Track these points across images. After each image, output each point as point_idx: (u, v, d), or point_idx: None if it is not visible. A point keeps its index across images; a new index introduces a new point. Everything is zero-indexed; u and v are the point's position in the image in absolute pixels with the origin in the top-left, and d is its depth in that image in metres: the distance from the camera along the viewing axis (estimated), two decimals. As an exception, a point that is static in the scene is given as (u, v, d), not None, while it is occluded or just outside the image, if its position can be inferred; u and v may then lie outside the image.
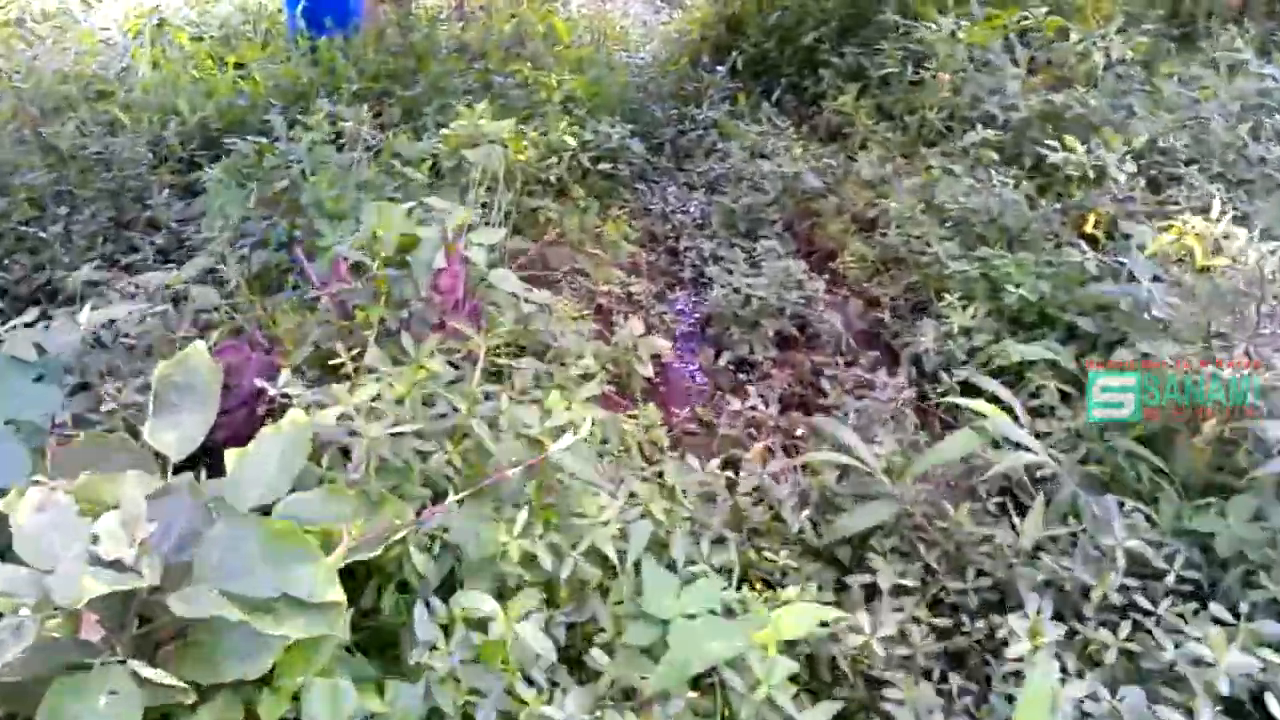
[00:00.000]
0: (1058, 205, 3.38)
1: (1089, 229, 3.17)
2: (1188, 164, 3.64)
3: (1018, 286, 3.05)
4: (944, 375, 3.05)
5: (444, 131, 3.68)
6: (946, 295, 3.31)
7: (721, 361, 3.47)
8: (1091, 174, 3.18)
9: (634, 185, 5.20)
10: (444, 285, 2.63)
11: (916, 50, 5.77)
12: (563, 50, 6.83)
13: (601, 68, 6.56)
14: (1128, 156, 3.78)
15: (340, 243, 3.13)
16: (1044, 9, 4.86)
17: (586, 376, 2.92)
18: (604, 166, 4.96)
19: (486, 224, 3.38)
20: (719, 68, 6.75)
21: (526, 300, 2.87)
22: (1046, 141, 3.49)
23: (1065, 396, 2.75)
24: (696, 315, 3.85)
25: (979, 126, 4.11)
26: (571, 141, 3.86)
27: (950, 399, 2.65)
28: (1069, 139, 3.43)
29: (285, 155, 3.74)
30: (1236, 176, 3.58)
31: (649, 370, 3.20)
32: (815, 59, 6.20)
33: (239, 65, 6.64)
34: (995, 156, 4.04)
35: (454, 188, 3.73)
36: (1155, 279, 2.67)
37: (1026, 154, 4.27)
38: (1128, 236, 3.11)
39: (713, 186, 4.97)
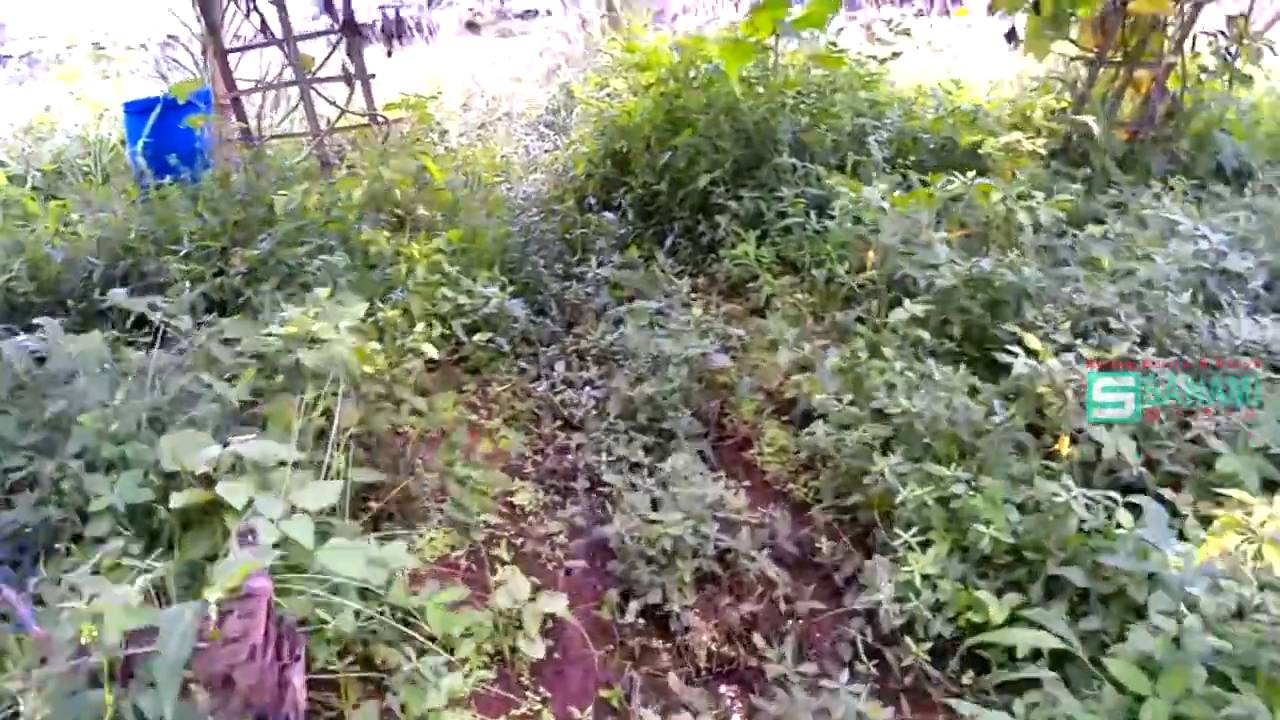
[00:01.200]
0: (1009, 408, 2.86)
1: (1064, 451, 2.66)
2: (1142, 344, 3.21)
3: (988, 524, 2.49)
4: (908, 640, 2.45)
5: (274, 330, 2.96)
6: (893, 522, 2.74)
7: (629, 615, 2.78)
8: (1061, 382, 2.68)
9: (516, 353, 4.55)
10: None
11: (817, 194, 5.41)
12: (436, 192, 6.23)
13: (479, 213, 5.98)
14: (1070, 331, 3.37)
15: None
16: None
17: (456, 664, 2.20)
18: (481, 338, 4.31)
19: (322, 461, 2.65)
20: (607, 212, 6.25)
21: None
22: (1008, 348, 2.98)
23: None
24: (595, 538, 3.16)
25: (905, 301, 3.64)
26: (432, 351, 3.18)
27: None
28: (1028, 337, 2.95)
29: (60, 371, 2.93)
30: (1198, 358, 3.16)
31: (539, 649, 2.49)
32: (710, 203, 5.76)
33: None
34: (926, 336, 3.56)
35: (285, 396, 3.00)
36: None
37: (955, 322, 3.82)
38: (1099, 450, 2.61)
39: (606, 357, 4.36)
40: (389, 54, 5.47)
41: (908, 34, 6.93)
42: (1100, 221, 4.96)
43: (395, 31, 5.09)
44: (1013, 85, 7.73)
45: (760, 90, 6.17)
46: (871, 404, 3.09)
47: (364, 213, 4.69)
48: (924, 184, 5.75)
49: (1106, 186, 5.94)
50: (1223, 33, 6.61)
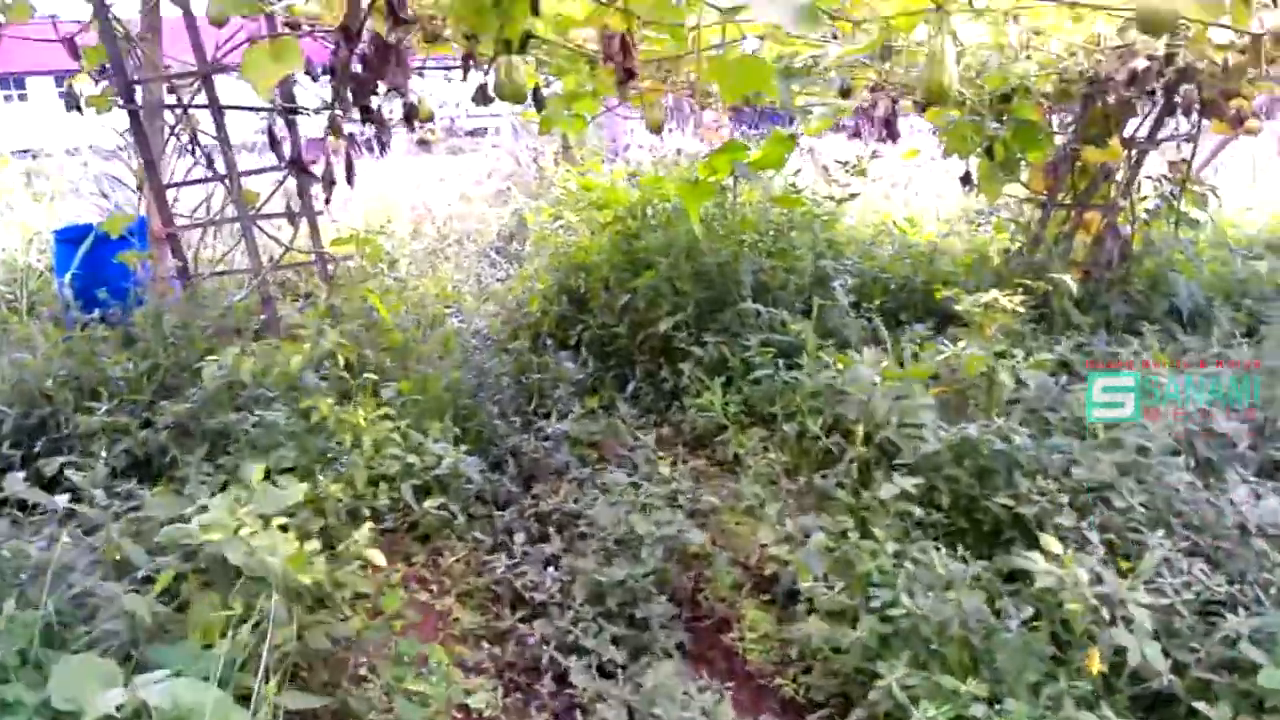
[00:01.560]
0: (1033, 616, 2.61)
1: (1094, 669, 2.40)
2: (1151, 527, 3.01)
3: (1018, 758, 2.21)
4: None
5: (199, 520, 2.60)
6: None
7: None
8: (1090, 596, 2.44)
9: (471, 515, 4.20)
10: None
11: (783, 340, 5.26)
12: (385, 332, 5.95)
13: (430, 355, 5.71)
14: (1071, 507, 3.17)
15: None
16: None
17: None
18: (433, 503, 3.97)
19: (250, 689, 2.26)
20: (564, 351, 6.02)
21: None
22: (1022, 554, 2.75)
23: None
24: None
25: (888, 466, 3.42)
26: (378, 559, 2.84)
27: None
28: (1045, 537, 2.73)
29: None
30: (1210, 544, 2.96)
31: None
32: (673, 347, 5.57)
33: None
34: (917, 510, 3.32)
35: (209, 600, 2.62)
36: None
37: (942, 490, 3.60)
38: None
39: (569, 522, 4.04)
40: (327, 201, 5.24)
41: (863, 174, 6.97)
42: (1073, 370, 4.88)
43: (345, 173, 4.89)
44: (963, 223, 7.80)
45: (720, 230, 6.08)
46: (870, 601, 2.82)
47: (306, 368, 4.36)
48: (894, 324, 5.70)
49: (1066, 329, 5.91)
50: (1166, 177, 6.79)
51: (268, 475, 3.09)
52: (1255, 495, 3.31)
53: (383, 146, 4.90)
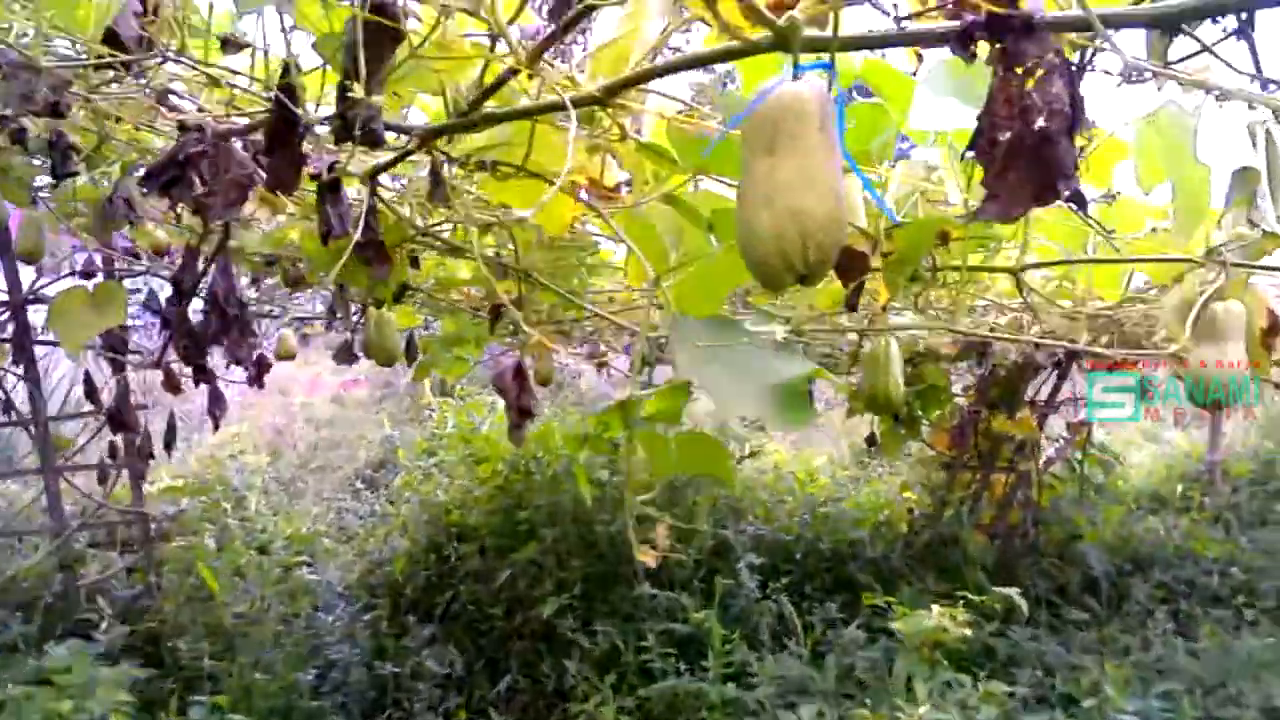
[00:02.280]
0: None
1: None
2: None
3: None
4: None
5: None
6: None
7: None
8: None
9: None
10: None
11: (681, 632, 4.59)
12: (214, 608, 5.00)
13: (267, 639, 4.78)
14: None
15: None
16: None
17: None
18: None
19: None
20: (429, 630, 5.16)
21: None
22: None
23: None
24: None
25: None
26: None
27: None
28: None
29: None
30: None
31: None
32: (557, 634, 4.80)
33: None
34: None
35: None
36: None
37: None
38: None
39: None
40: (152, 456, 4.45)
41: (763, 429, 6.61)
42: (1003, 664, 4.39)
43: (165, 439, 4.18)
44: (864, 479, 7.50)
45: (614, 493, 5.49)
46: None
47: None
48: (800, 596, 5.12)
49: (980, 604, 5.47)
50: (1065, 438, 6.68)
51: None
52: None
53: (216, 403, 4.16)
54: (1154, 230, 1.76)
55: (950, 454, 6.31)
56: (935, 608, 3.57)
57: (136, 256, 4.02)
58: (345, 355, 4.03)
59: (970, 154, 0.87)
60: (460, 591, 5.46)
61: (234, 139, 1.63)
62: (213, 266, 2.45)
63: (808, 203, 0.87)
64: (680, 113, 1.50)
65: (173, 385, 4.06)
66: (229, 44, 1.41)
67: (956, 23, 0.87)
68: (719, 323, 1.37)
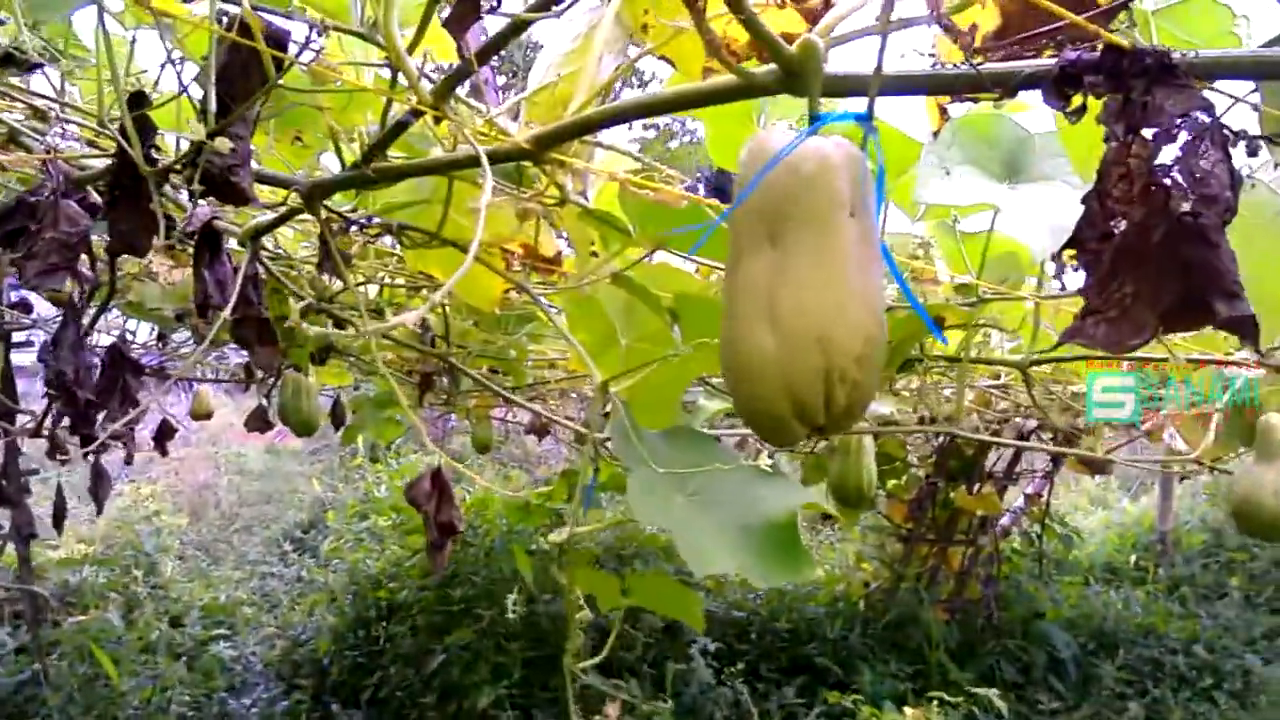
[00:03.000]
0: None
1: None
2: None
3: None
4: None
5: None
6: None
7: None
8: None
9: None
10: None
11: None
12: (113, 697, 4.49)
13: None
14: None
15: None
16: None
17: None
18: None
19: None
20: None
21: None
22: None
23: None
24: None
25: None
26: None
27: None
28: None
29: None
30: None
31: None
32: (492, 727, 4.40)
33: None
34: None
35: None
36: None
37: None
38: None
39: None
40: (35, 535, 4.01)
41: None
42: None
43: (53, 519, 3.73)
44: (818, 546, 7.22)
45: (558, 570, 5.13)
46: None
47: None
48: (757, 679, 4.80)
49: (943, 686, 5.18)
50: (1022, 510, 6.49)
51: None
52: None
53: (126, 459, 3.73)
54: None
55: (907, 526, 6.07)
56: (909, 711, 3.26)
57: (28, 309, 3.61)
58: (258, 422, 3.65)
59: (1070, 254, 0.59)
60: (390, 675, 5.02)
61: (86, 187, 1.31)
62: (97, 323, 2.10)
63: (836, 326, 0.58)
64: (637, 171, 1.22)
65: (58, 452, 3.63)
66: (9, 61, 1.09)
67: (1048, 61, 0.60)
68: (684, 437, 1.07)
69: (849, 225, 0.61)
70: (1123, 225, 0.58)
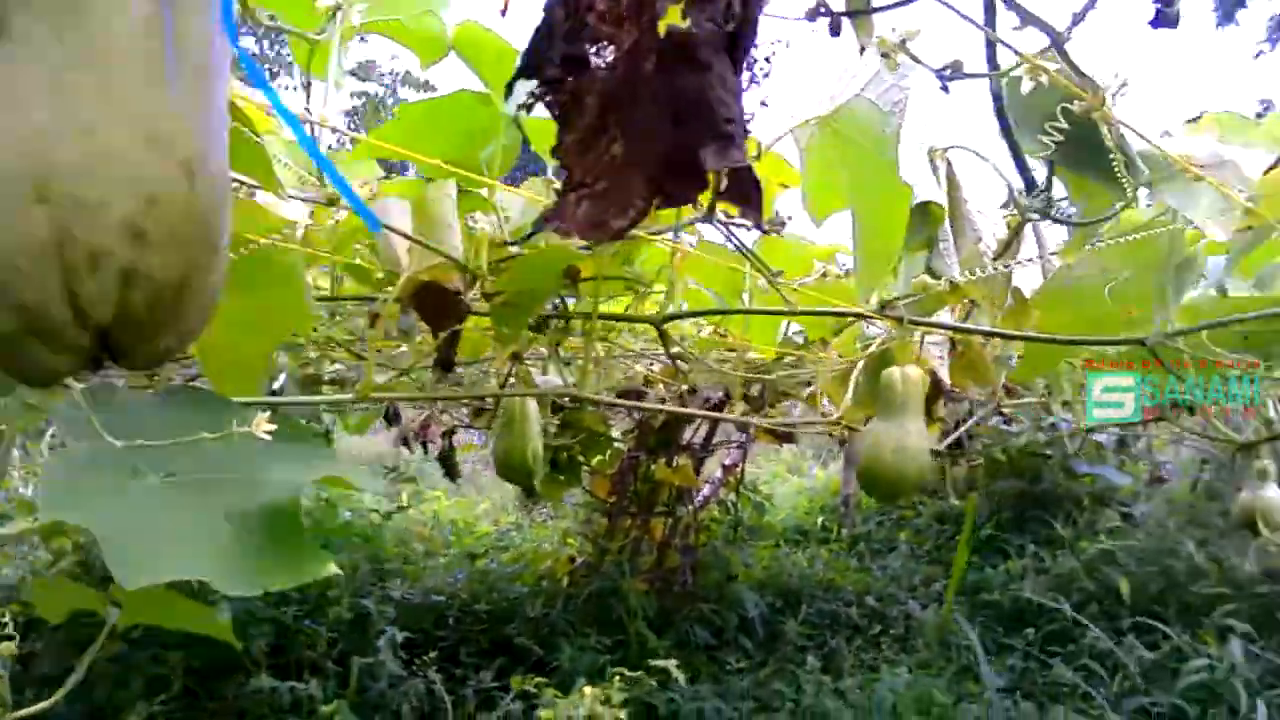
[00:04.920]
0: None
1: None
2: None
3: None
4: None
5: None
6: None
7: None
8: None
9: None
10: None
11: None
12: None
13: None
14: None
15: None
16: None
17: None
18: None
19: None
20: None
21: None
22: None
23: None
24: None
25: None
26: None
27: None
28: None
29: None
30: None
31: None
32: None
33: None
34: None
35: None
36: None
37: None
38: None
39: None
40: None
41: (413, 481, 6.03)
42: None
43: None
44: (529, 525, 7.14)
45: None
46: None
47: None
48: (455, 664, 4.59)
49: (641, 657, 5.27)
50: (720, 480, 6.76)
51: None
52: None
53: None
54: (824, 275, 1.47)
55: (611, 500, 6.12)
56: (588, 690, 3.21)
57: None
58: None
59: (526, 88, 0.44)
60: (24, 699, 4.31)
61: None
62: None
63: (77, 168, 0.35)
64: None
65: None
66: None
67: None
68: (188, 400, 0.84)
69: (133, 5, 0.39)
70: (610, 54, 0.43)
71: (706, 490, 6.80)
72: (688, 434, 6.11)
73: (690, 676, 5.16)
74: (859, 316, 1.40)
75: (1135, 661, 5.01)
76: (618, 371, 3.99)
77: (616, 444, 6.09)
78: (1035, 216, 1.15)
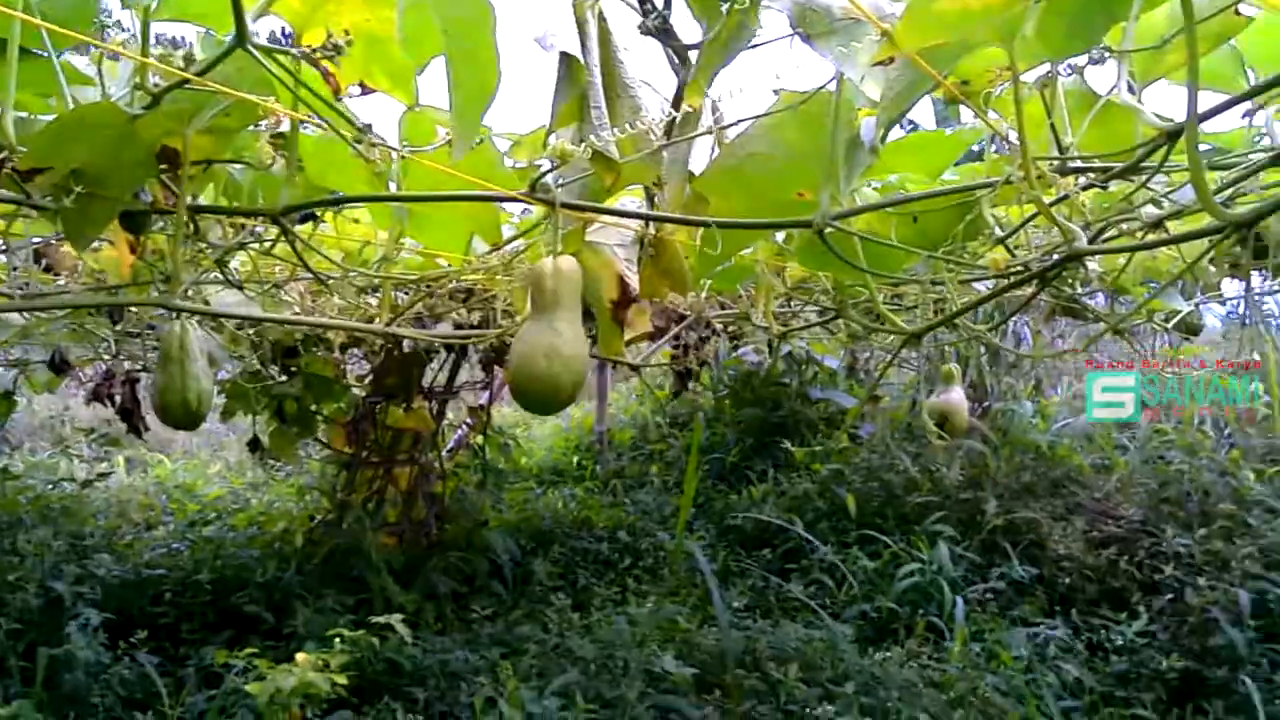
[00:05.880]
0: None
1: None
2: None
3: None
4: None
5: None
6: None
7: None
8: None
9: None
10: None
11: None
12: None
13: None
14: None
15: None
16: None
17: None
18: None
19: None
20: None
21: None
22: None
23: None
24: None
25: None
26: None
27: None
28: None
29: None
30: None
31: None
32: None
33: None
34: None
35: None
36: None
37: None
38: None
39: None
40: None
41: (116, 444, 5.37)
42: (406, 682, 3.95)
43: None
44: (266, 485, 6.61)
45: None
46: None
47: None
48: (179, 641, 4.15)
49: (385, 610, 5.04)
50: (467, 424, 6.56)
51: None
52: None
53: None
54: (449, 143, 1.26)
55: (350, 451, 5.77)
56: (300, 655, 2.95)
57: None
58: None
59: None
60: None
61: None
62: None
63: None
64: None
65: None
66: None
67: None
68: None
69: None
70: None
71: (460, 434, 6.60)
72: (429, 378, 5.86)
73: (440, 628, 5.00)
74: (499, 199, 1.23)
75: (860, 571, 5.39)
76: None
77: (355, 391, 5.73)
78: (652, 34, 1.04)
